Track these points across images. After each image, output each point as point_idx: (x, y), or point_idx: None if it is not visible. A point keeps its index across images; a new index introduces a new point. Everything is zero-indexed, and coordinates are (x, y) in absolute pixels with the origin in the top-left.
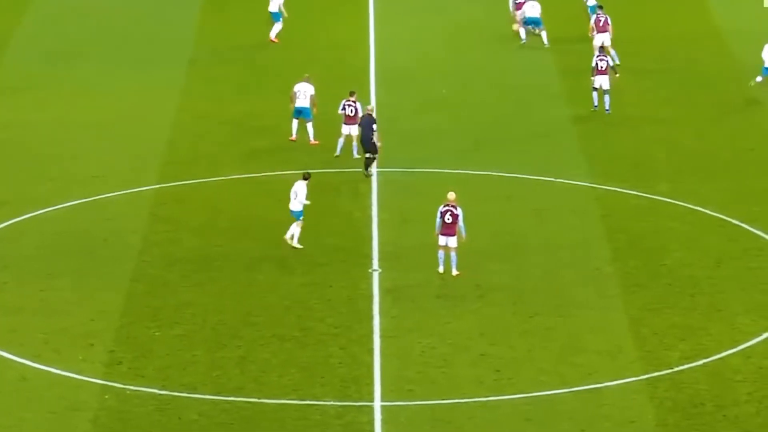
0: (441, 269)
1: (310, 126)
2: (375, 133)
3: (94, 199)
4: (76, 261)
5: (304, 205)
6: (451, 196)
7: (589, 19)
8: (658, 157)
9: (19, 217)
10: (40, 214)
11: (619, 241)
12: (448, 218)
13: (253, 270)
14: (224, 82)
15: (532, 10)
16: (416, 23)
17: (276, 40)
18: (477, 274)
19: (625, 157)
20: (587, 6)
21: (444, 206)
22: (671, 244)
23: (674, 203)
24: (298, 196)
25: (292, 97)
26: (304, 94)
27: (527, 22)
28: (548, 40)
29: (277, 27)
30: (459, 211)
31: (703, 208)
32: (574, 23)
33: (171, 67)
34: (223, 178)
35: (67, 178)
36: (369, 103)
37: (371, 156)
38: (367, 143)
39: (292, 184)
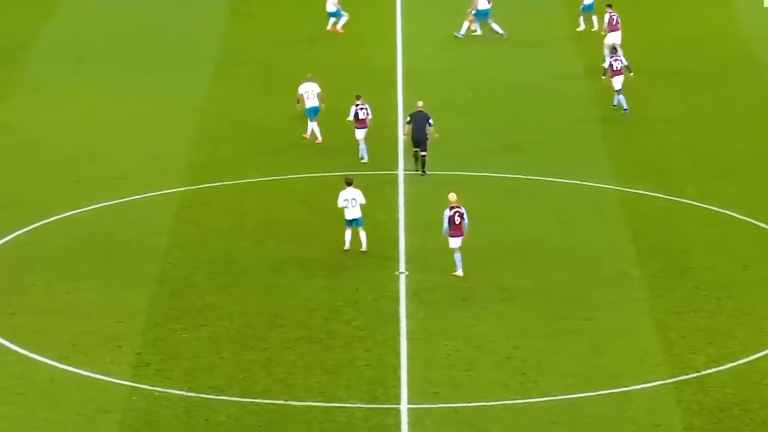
0: (460, 273)
1: (315, 124)
2: (431, 128)
3: (119, 202)
4: (102, 263)
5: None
6: (453, 197)
7: (579, 18)
8: (682, 160)
9: (44, 219)
10: (66, 216)
11: (645, 244)
12: (457, 219)
13: (278, 272)
14: (247, 84)
15: (483, 2)
16: (441, 24)
17: (342, 31)
18: (501, 276)
19: (649, 160)
20: (582, 5)
21: (451, 209)
22: (697, 247)
23: (700, 206)
24: (357, 201)
25: (299, 99)
26: (312, 93)
27: (478, 15)
28: (503, 30)
29: (344, 18)
30: (464, 210)
31: (729, 211)
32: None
33: (194, 69)
34: (247, 180)
35: (91, 180)
36: (398, 105)
37: (423, 155)
38: (422, 139)
39: (332, 191)
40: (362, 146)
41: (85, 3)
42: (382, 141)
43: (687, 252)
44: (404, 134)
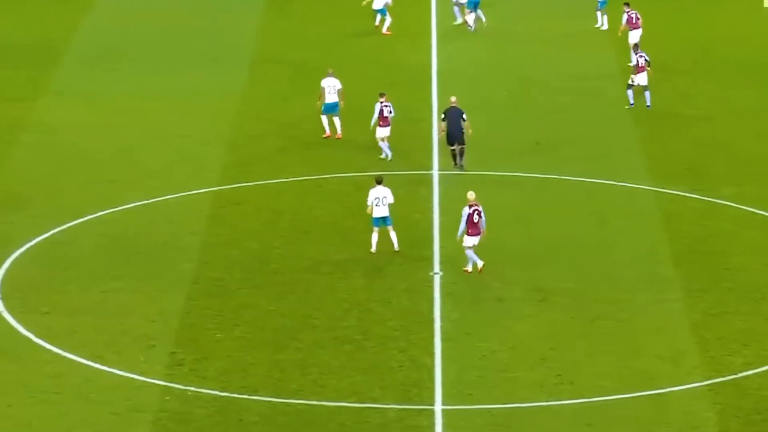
0: (480, 264)
1: (338, 120)
2: (465, 122)
3: (152, 201)
4: (136, 263)
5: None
6: (472, 195)
7: (597, 15)
8: (718, 160)
9: (78, 219)
10: (99, 216)
11: (680, 245)
12: (476, 218)
13: (312, 272)
14: (282, 83)
15: None
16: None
17: (388, 33)
18: (536, 277)
19: (684, 160)
20: (599, 1)
21: (470, 207)
22: (733, 248)
23: (736, 207)
24: (387, 199)
25: (321, 94)
26: (333, 88)
27: (469, 4)
28: (486, 20)
29: (388, 20)
30: (482, 209)
31: (765, 212)
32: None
33: (229, 68)
34: (281, 180)
35: (124, 180)
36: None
37: (461, 147)
38: (458, 135)
39: (366, 191)
40: (385, 144)
41: (119, 3)
42: (417, 139)
43: (723, 253)
44: (440, 131)
